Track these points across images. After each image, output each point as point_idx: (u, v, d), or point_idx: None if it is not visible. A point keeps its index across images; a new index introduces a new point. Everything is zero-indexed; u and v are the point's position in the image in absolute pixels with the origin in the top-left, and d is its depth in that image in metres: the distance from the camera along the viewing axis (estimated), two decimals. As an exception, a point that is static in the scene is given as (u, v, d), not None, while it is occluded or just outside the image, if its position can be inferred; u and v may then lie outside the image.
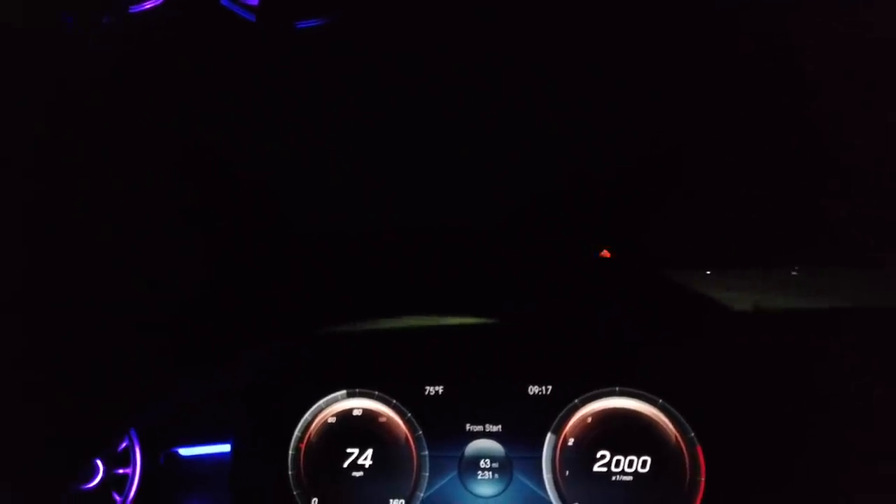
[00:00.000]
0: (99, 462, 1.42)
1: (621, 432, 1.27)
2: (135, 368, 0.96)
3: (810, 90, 0.87)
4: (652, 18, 0.75)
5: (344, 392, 1.44)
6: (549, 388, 1.33)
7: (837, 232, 1.22)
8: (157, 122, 0.87)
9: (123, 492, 1.43)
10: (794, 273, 1.33)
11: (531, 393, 1.33)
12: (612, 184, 1.13)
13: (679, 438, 1.24)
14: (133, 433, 1.44)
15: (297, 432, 1.44)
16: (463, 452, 1.34)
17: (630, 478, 1.25)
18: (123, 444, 1.45)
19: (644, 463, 1.25)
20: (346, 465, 1.40)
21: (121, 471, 1.44)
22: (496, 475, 1.31)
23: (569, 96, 0.93)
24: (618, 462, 1.26)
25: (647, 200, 1.19)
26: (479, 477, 1.32)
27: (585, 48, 0.83)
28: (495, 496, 1.31)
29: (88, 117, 0.79)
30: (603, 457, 1.27)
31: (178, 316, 1.13)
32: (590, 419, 1.29)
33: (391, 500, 1.36)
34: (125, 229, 0.95)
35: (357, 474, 1.39)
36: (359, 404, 1.43)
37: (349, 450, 1.40)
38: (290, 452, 1.43)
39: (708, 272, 1.34)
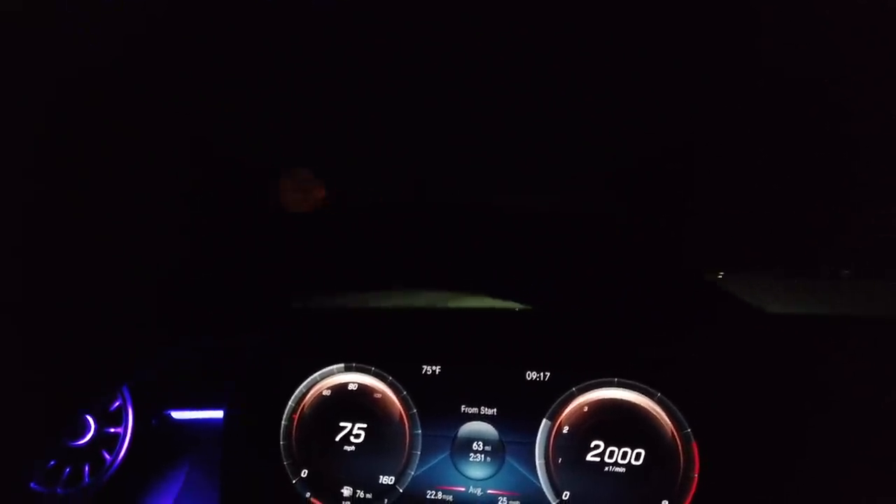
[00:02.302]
0: (90, 419, 1.42)
1: (617, 423, 1.26)
2: (130, 325, 0.95)
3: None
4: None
5: (341, 366, 1.43)
6: (547, 374, 1.32)
7: (849, 241, 1.20)
8: (159, 96, 0.85)
9: (114, 451, 1.42)
10: (804, 281, 1.32)
11: (529, 378, 1.32)
12: (628, 177, 1.11)
13: (675, 433, 1.23)
14: (126, 393, 1.44)
15: (290, 403, 1.43)
16: (456, 433, 1.33)
17: (623, 469, 1.24)
18: (116, 404, 1.45)
19: (638, 455, 1.24)
20: (338, 438, 1.39)
21: (112, 430, 1.44)
22: (488, 458, 1.31)
23: (598, 82, 0.90)
24: (611, 453, 1.25)
25: (662, 196, 1.17)
26: (471, 459, 1.32)
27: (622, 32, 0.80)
28: (486, 479, 1.30)
29: (89, 92, 0.77)
30: (597, 446, 1.26)
31: (178, 277, 1.12)
32: (586, 408, 1.28)
33: (381, 477, 1.36)
34: (121, 188, 0.93)
35: (349, 448, 1.39)
36: (354, 379, 1.42)
37: (342, 424, 1.40)
38: (283, 423, 1.43)
39: (718, 273, 1.33)
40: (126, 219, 0.95)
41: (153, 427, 1.45)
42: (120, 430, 1.43)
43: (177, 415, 1.49)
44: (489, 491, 1.30)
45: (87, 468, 1.42)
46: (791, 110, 0.90)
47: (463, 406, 1.34)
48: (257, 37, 0.81)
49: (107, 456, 1.42)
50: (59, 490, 1.42)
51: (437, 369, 1.38)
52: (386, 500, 1.34)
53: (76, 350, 0.93)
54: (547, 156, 1.07)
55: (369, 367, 1.41)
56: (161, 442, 1.46)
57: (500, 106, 0.97)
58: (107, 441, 1.43)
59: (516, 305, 1.40)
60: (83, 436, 1.42)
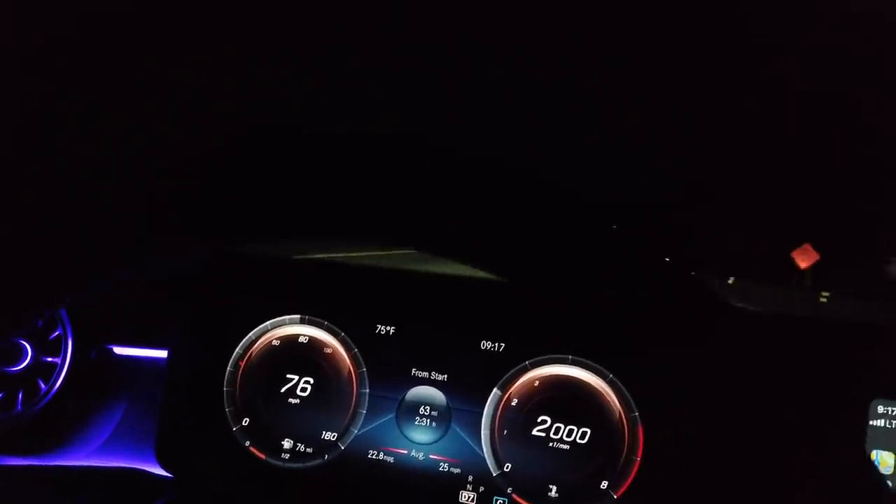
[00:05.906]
0: (27, 345, 1.37)
1: (566, 400, 1.25)
2: (70, 244, 0.89)
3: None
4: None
5: (295, 317, 1.39)
6: (502, 345, 1.29)
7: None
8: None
9: (49, 380, 1.37)
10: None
11: (483, 348, 1.30)
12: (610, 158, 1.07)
13: (623, 416, 1.23)
14: (67, 323, 1.38)
15: (238, 349, 1.40)
16: (404, 396, 1.31)
17: (567, 446, 1.23)
18: (55, 333, 1.39)
19: (584, 434, 1.23)
20: (283, 390, 1.36)
21: (49, 359, 1.39)
22: (433, 423, 1.29)
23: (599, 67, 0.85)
24: (557, 429, 1.24)
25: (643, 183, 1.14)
26: (417, 422, 1.29)
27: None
28: (429, 444, 1.29)
29: None
30: (544, 422, 1.25)
31: (126, 198, 1.05)
32: (537, 382, 1.27)
33: (324, 432, 1.33)
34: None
35: (293, 401, 1.35)
36: (306, 331, 1.39)
37: (289, 375, 1.37)
38: (229, 369, 1.39)
39: (693, 267, 1.32)
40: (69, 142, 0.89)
41: (92, 360, 1.40)
42: (57, 359, 1.38)
43: (119, 350, 1.44)
44: (431, 456, 1.28)
45: (20, 395, 1.37)
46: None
47: (413, 369, 1.32)
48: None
49: (42, 385, 1.37)
50: (-12, 415, 1.37)
51: (392, 330, 1.35)
52: (326, 456, 1.32)
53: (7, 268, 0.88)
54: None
55: (322, 322, 1.38)
56: (99, 376, 1.41)
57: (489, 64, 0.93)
58: (43, 369, 1.38)
59: (480, 274, 1.37)
60: (18, 362, 1.37)
